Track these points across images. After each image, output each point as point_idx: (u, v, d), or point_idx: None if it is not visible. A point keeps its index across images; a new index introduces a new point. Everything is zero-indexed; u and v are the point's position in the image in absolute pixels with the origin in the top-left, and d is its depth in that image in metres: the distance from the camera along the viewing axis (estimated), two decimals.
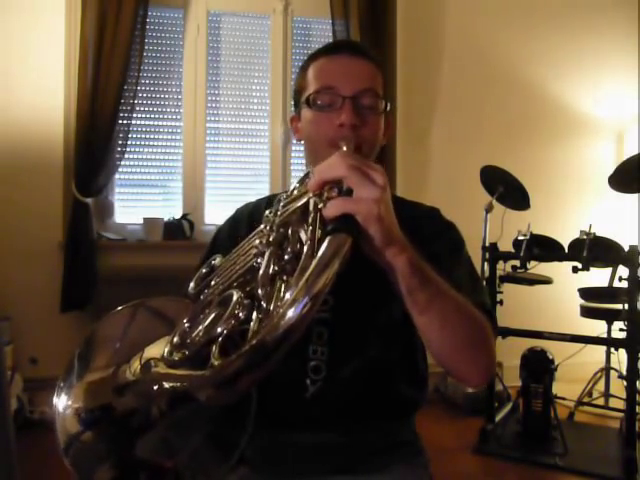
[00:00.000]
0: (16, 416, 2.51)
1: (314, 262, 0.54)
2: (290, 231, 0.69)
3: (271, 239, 0.69)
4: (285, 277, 0.62)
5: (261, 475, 0.97)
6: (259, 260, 0.68)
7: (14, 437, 1.10)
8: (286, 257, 0.65)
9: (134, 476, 0.64)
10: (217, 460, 0.66)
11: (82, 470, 0.64)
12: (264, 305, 0.59)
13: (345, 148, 0.86)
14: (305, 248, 0.62)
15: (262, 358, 0.49)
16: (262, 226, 0.75)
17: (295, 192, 0.76)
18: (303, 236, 0.67)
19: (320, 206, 0.65)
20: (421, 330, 0.77)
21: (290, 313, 0.50)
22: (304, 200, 0.70)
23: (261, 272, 0.64)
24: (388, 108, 0.97)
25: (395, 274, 0.69)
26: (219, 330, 0.59)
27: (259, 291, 0.61)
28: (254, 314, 0.60)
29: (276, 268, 0.64)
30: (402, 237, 0.69)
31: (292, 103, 1.09)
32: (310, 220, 0.66)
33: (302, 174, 0.87)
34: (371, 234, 0.64)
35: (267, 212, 0.77)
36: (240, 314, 0.60)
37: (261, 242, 0.70)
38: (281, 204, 0.76)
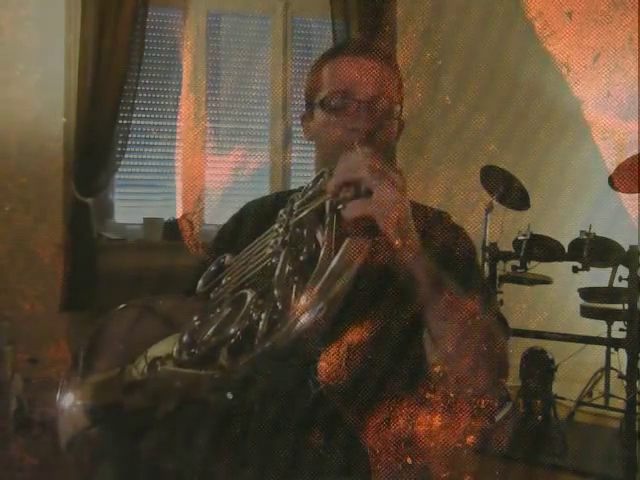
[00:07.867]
0: (16, 416, 2.50)
1: (331, 265, 0.54)
2: (306, 232, 0.68)
3: (286, 239, 0.67)
4: (299, 278, 0.61)
5: (263, 476, 0.96)
6: (273, 260, 0.66)
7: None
8: (301, 258, 0.64)
9: (135, 475, 0.64)
10: (218, 461, 0.65)
11: (84, 465, 0.64)
12: (279, 307, 0.58)
13: (358, 149, 0.85)
14: (322, 250, 0.61)
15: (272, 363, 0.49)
16: (276, 226, 0.73)
17: (310, 192, 0.75)
18: (319, 237, 0.65)
19: (339, 207, 0.64)
20: (437, 337, 0.77)
21: (304, 319, 0.50)
22: (321, 201, 0.68)
23: (277, 273, 0.62)
24: (402, 112, 0.95)
25: (413, 282, 0.70)
26: (232, 331, 0.58)
27: (275, 292, 0.60)
28: (263, 314, 0.59)
29: (291, 269, 0.63)
30: (419, 243, 0.70)
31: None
32: (327, 221, 0.65)
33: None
34: (389, 237, 0.64)
35: (281, 212, 0.75)
36: (254, 314, 0.59)
37: (276, 242, 0.69)
38: (296, 204, 0.74)
